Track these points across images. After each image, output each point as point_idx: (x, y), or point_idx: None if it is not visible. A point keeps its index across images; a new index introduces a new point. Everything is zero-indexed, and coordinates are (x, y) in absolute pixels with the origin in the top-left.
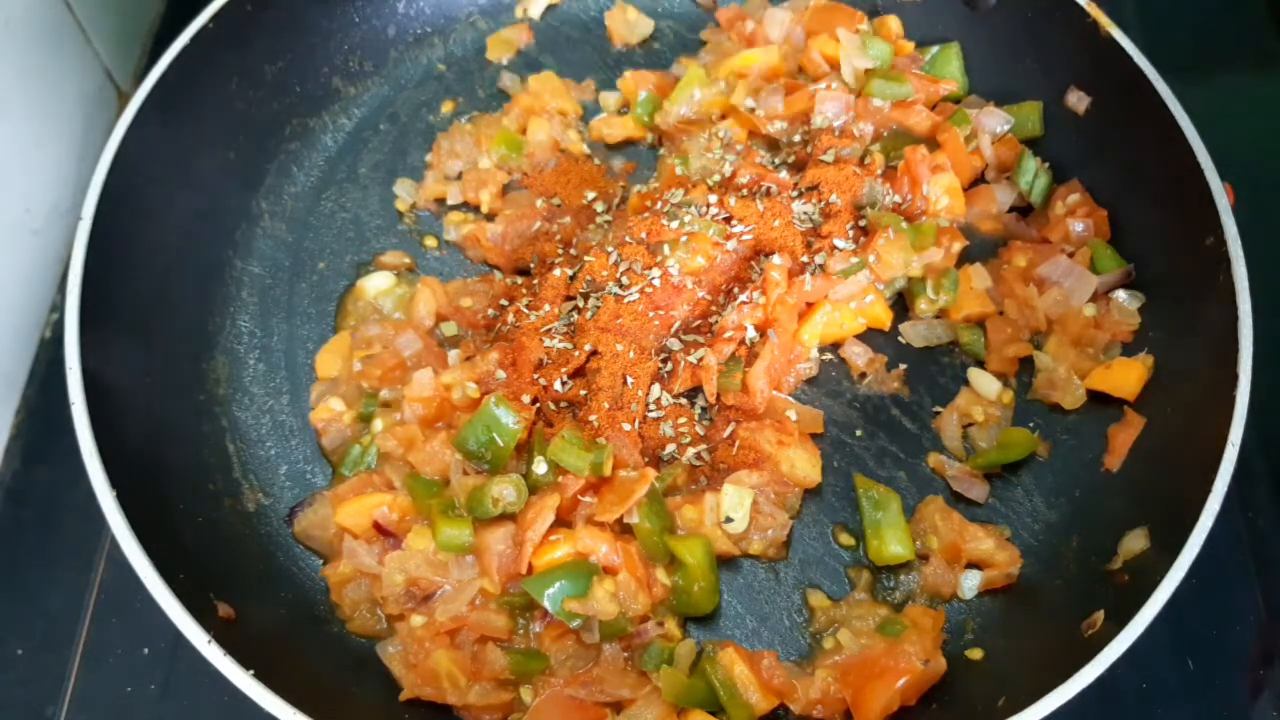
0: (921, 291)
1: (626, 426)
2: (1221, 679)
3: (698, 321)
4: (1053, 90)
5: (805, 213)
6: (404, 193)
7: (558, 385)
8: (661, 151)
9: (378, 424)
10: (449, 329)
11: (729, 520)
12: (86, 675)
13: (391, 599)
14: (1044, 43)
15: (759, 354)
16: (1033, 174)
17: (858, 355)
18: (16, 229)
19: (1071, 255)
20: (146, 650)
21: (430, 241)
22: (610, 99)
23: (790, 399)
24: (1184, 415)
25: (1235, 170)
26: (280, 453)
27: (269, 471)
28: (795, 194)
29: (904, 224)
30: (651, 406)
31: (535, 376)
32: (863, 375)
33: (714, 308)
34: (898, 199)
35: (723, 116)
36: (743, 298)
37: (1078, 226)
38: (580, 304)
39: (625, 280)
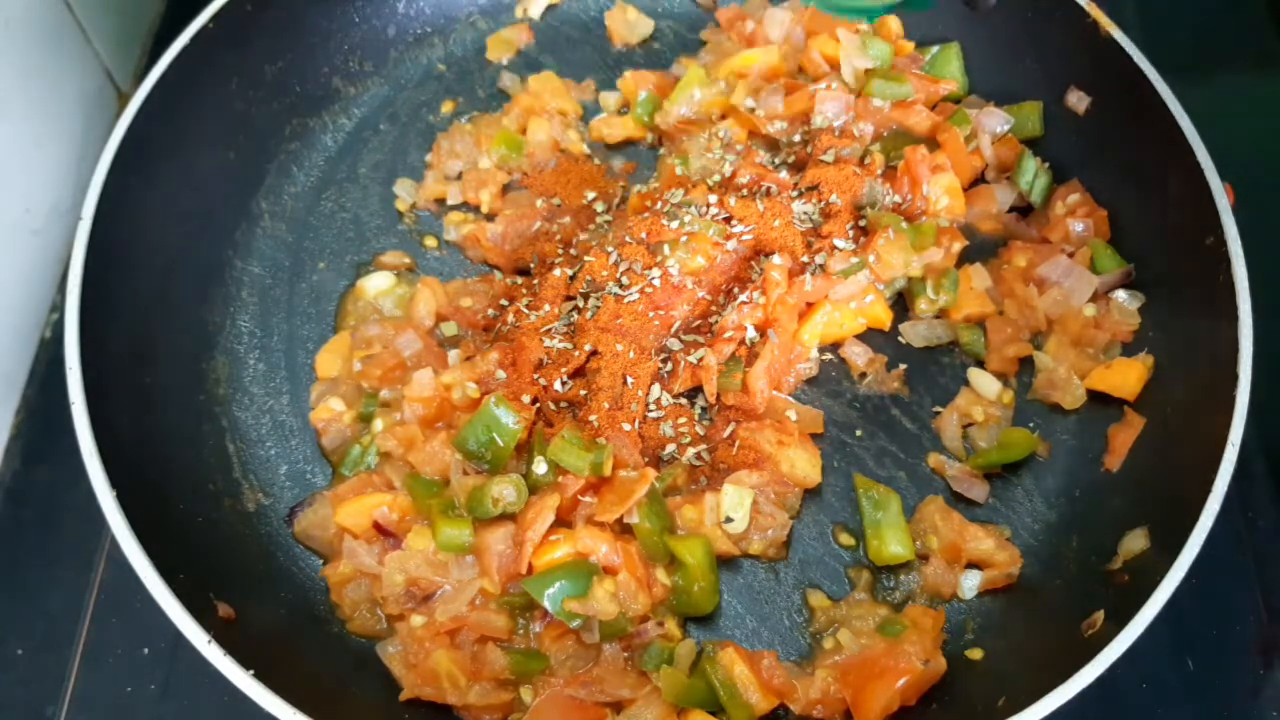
0: (921, 291)
1: (626, 426)
2: (1221, 679)
3: (698, 321)
4: (1053, 90)
5: (805, 213)
6: (404, 193)
7: (558, 385)
8: (661, 151)
9: (378, 424)
10: (449, 329)
11: (729, 520)
12: (86, 675)
13: (391, 599)
14: (1044, 43)
15: (759, 354)
16: (1033, 174)
17: (858, 355)
18: (16, 229)
19: (1071, 255)
20: (146, 650)
21: (430, 241)
22: (610, 99)
23: (790, 399)
24: (1184, 415)
25: (1235, 170)
26: (280, 453)
27: (269, 471)
28: (795, 194)
29: (904, 224)
30: (651, 406)
31: (535, 376)
32: (863, 375)
33: (714, 308)
34: (898, 199)
35: (723, 116)
36: (743, 298)
37: (1078, 226)
38: (580, 304)
39: (625, 280)
